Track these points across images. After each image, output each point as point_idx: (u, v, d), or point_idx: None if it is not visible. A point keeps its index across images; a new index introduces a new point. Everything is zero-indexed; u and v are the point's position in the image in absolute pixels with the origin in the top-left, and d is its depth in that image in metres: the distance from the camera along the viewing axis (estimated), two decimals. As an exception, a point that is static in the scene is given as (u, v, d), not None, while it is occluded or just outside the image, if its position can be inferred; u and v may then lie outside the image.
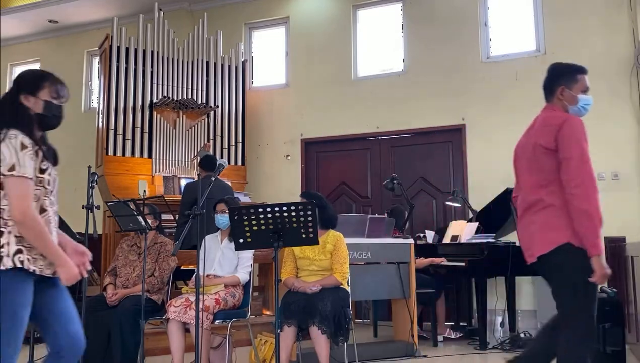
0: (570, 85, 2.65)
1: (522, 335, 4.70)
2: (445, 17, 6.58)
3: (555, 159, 2.43)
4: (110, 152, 6.07)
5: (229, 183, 5.42)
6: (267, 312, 5.56)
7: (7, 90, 2.14)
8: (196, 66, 6.74)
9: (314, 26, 7.21)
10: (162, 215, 4.30)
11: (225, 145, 6.78)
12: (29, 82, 2.13)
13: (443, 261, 5.07)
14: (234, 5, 7.59)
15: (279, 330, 2.77)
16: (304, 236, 2.73)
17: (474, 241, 4.95)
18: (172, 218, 4.66)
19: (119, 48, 6.25)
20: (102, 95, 6.25)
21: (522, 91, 6.12)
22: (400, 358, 4.32)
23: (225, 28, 7.14)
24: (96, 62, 8.09)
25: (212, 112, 6.73)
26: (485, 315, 4.77)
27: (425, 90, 6.56)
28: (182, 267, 4.92)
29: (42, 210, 2.05)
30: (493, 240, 4.96)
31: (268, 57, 7.60)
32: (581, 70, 2.68)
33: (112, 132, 6.10)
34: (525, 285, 5.86)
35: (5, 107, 2.08)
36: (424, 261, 5.11)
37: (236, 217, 2.67)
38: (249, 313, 3.73)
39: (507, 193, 5.18)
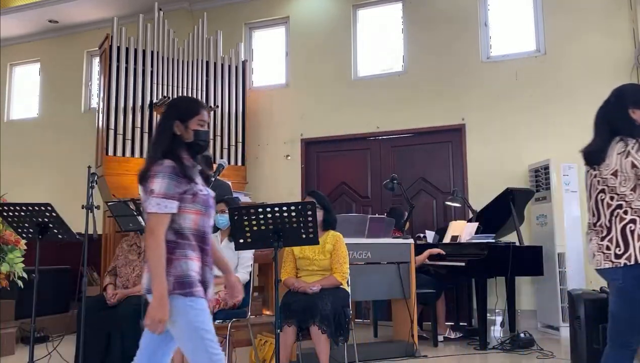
0: None
1: (522, 335, 4.69)
2: (445, 17, 6.58)
3: None
4: (110, 152, 6.07)
5: (229, 183, 5.42)
6: (267, 312, 5.56)
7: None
8: (196, 66, 6.74)
9: (314, 26, 7.21)
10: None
11: (225, 145, 6.78)
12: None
13: (439, 252, 5.08)
14: (234, 5, 7.59)
15: (279, 330, 2.77)
16: (303, 236, 2.73)
17: (474, 241, 4.95)
18: (172, 218, 4.66)
19: (119, 48, 6.25)
20: (102, 95, 6.25)
21: (522, 91, 6.13)
22: (400, 358, 4.32)
23: (225, 28, 7.14)
24: (96, 62, 8.09)
25: (212, 112, 6.73)
26: (485, 315, 4.77)
27: (425, 90, 6.56)
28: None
29: None
30: (493, 240, 4.97)
31: (268, 57, 7.59)
32: None
33: (112, 132, 6.10)
34: (525, 285, 5.86)
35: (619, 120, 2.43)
36: (420, 257, 5.10)
37: (236, 217, 2.67)
38: (249, 313, 3.73)
39: (507, 193, 5.21)
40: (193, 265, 2.03)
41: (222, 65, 6.89)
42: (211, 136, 6.70)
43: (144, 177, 2.05)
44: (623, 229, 2.33)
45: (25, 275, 4.22)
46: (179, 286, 1.99)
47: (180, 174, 2.03)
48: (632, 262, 2.28)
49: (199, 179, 2.13)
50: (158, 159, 2.04)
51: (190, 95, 6.58)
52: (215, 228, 3.92)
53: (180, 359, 3.46)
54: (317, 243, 2.82)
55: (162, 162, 2.03)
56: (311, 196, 3.76)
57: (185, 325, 1.99)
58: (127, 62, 6.28)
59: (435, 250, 5.13)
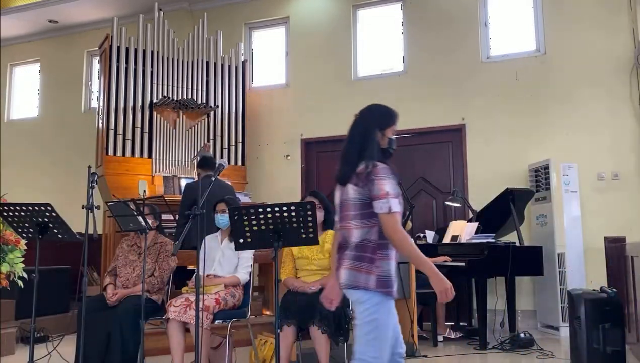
0: None
1: (522, 335, 4.69)
2: (445, 17, 6.58)
3: None
4: (110, 152, 6.07)
5: (230, 183, 5.42)
6: (267, 312, 5.56)
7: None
8: (196, 66, 6.73)
9: (314, 26, 7.21)
10: (162, 215, 4.30)
11: (225, 145, 6.78)
12: None
13: (446, 260, 5.05)
14: (234, 5, 7.59)
15: (279, 330, 2.76)
16: (303, 236, 2.73)
17: (474, 241, 4.95)
18: (172, 218, 4.66)
19: (119, 48, 6.25)
20: (102, 95, 6.25)
21: (522, 91, 6.13)
22: (400, 358, 4.32)
23: (225, 28, 7.14)
24: (96, 62, 8.10)
25: (212, 112, 6.73)
26: (485, 315, 4.78)
27: (425, 90, 6.55)
28: (189, 267, 4.90)
29: None
30: (493, 240, 4.96)
31: (268, 57, 7.60)
32: None
33: (112, 132, 6.10)
34: (525, 285, 5.87)
35: None
36: None
37: (236, 217, 2.67)
38: (249, 313, 3.73)
39: (507, 193, 5.21)
40: (392, 265, 2.17)
41: (222, 65, 6.89)
42: (211, 136, 6.70)
43: (367, 179, 2.20)
44: None
45: (25, 275, 4.21)
46: (381, 285, 2.10)
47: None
48: None
49: None
50: (374, 161, 2.22)
51: (190, 95, 6.59)
52: (216, 228, 3.93)
53: (181, 359, 3.46)
54: (317, 243, 2.82)
55: (377, 164, 2.20)
56: (313, 196, 3.75)
57: (373, 320, 2.08)
58: (127, 62, 6.28)
59: (442, 259, 5.10)
